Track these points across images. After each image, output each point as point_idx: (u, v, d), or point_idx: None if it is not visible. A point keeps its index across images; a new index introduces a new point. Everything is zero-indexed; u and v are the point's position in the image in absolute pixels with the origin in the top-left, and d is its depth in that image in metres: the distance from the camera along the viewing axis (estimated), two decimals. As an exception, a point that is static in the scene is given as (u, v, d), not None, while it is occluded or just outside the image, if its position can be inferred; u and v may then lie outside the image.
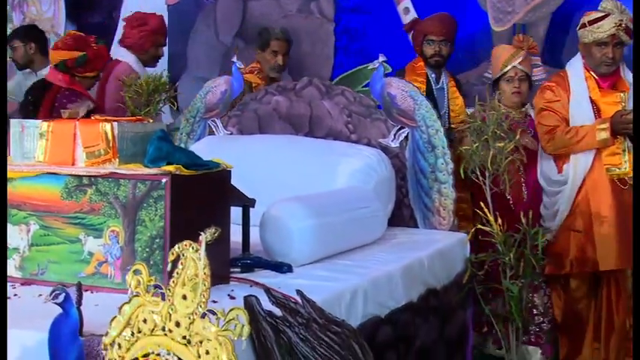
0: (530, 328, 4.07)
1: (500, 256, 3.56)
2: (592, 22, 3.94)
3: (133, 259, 2.51)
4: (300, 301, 2.32)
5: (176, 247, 1.88)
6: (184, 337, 1.87)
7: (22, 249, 2.70)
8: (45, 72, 5.15)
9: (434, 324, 3.37)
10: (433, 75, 4.58)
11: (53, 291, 2.13)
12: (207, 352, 1.84)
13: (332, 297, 2.65)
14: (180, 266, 1.88)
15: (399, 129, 3.96)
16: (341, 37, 5.57)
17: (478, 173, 3.66)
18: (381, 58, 3.98)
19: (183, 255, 1.88)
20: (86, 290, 2.31)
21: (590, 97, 4.00)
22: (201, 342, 1.85)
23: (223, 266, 2.71)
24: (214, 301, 2.18)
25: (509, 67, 4.16)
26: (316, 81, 4.19)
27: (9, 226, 2.72)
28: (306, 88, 4.15)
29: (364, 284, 2.88)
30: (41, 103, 4.34)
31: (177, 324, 1.88)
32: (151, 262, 2.50)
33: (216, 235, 1.86)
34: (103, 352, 2.00)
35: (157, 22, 5.02)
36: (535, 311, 4.10)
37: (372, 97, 4.06)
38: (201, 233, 1.86)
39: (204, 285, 1.84)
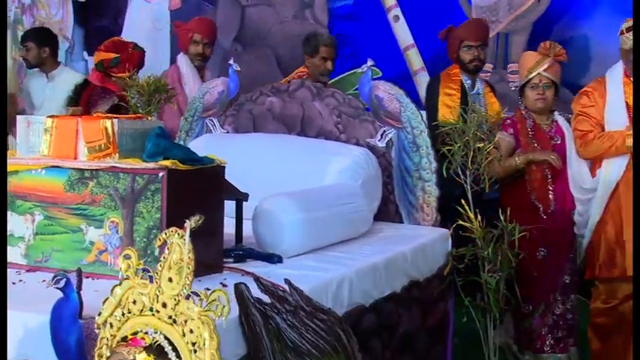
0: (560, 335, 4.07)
1: (479, 251, 3.65)
2: (629, 29, 3.88)
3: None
4: (288, 289, 2.41)
5: (163, 233, 1.97)
6: (170, 317, 1.96)
7: (28, 238, 2.80)
8: (55, 73, 5.34)
9: (416, 314, 3.46)
10: (469, 81, 4.58)
11: (55, 276, 2.22)
12: (192, 331, 1.93)
13: (319, 286, 2.74)
14: (166, 251, 1.96)
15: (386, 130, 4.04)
16: (334, 43, 5.73)
17: (460, 172, 3.74)
18: (369, 62, 4.08)
19: (169, 241, 1.96)
20: (87, 277, 2.41)
21: (626, 103, 3.91)
22: (185, 321, 1.94)
23: (217, 256, 2.81)
24: (207, 289, 2.21)
25: (534, 73, 4.06)
26: (308, 83, 4.26)
27: (15, 216, 2.81)
28: (299, 90, 4.21)
29: (350, 274, 2.97)
30: (80, 98, 4.64)
31: (164, 305, 1.97)
32: (148, 252, 2.60)
33: (200, 222, 1.94)
34: (97, 331, 2.09)
35: (194, 20, 5.20)
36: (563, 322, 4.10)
37: (361, 100, 4.13)
38: (187, 221, 1.94)
39: (189, 268, 1.93)
